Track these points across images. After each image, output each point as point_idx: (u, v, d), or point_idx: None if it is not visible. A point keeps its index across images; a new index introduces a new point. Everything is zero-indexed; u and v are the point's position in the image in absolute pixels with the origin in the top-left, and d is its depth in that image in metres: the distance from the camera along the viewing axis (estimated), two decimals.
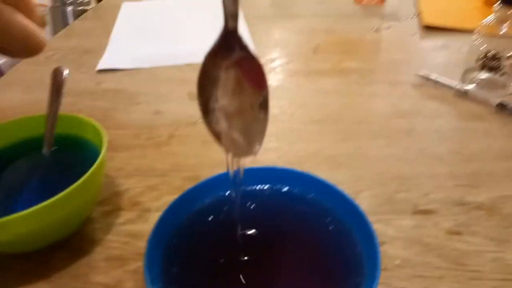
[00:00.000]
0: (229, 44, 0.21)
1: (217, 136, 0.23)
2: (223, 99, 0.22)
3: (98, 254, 0.35)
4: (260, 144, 0.23)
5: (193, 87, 0.22)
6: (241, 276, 0.27)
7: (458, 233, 0.36)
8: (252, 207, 0.32)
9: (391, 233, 0.36)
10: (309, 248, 0.29)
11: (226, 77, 0.22)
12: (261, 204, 0.32)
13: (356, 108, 0.55)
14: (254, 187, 0.33)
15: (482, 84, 0.58)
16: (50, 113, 0.40)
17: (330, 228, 0.30)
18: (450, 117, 0.53)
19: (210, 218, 0.31)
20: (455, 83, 0.58)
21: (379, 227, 0.37)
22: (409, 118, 0.52)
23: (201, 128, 0.52)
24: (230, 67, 0.22)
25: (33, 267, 0.34)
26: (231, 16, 0.20)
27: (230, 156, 0.24)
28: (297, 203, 0.32)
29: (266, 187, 0.33)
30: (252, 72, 0.22)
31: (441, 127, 0.51)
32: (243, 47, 0.21)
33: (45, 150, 0.39)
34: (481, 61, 0.56)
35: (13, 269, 0.34)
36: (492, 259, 0.34)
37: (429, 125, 0.51)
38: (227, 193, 0.32)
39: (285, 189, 0.33)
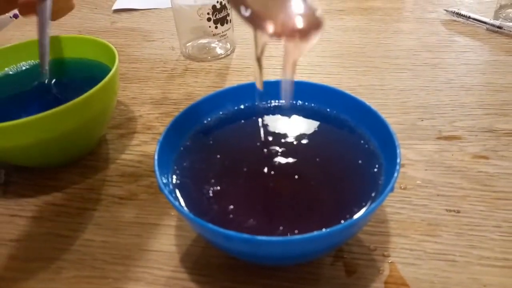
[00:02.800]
0: None
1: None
2: None
3: (112, 171, 0.35)
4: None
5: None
6: (254, 181, 0.26)
7: (485, 157, 0.34)
8: (270, 120, 0.31)
9: (413, 157, 0.35)
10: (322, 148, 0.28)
11: None
12: (279, 117, 0.31)
13: (380, 44, 0.52)
14: (272, 101, 0.32)
15: None
16: (39, 35, 0.38)
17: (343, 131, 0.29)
18: (481, 51, 0.49)
19: (227, 126, 0.30)
20: (487, 19, 0.54)
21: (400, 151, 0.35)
22: (436, 53, 0.49)
23: (217, 62, 0.51)
24: None
25: (49, 180, 0.35)
26: None
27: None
28: (310, 114, 0.31)
29: (280, 102, 0.32)
30: None
31: (471, 60, 0.47)
32: None
33: (42, 71, 0.38)
34: None
35: (30, 182, 0.35)
36: None
37: (457, 58, 0.48)
38: (248, 104, 0.31)
39: (300, 103, 0.32)
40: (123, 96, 0.44)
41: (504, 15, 0.55)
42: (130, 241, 0.29)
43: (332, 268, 0.27)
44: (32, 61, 0.41)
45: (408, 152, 0.35)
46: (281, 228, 0.23)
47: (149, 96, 0.45)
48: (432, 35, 0.53)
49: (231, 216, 0.24)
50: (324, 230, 0.21)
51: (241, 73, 0.48)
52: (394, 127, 0.38)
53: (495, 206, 0.30)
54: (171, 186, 0.26)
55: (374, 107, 0.29)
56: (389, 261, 0.27)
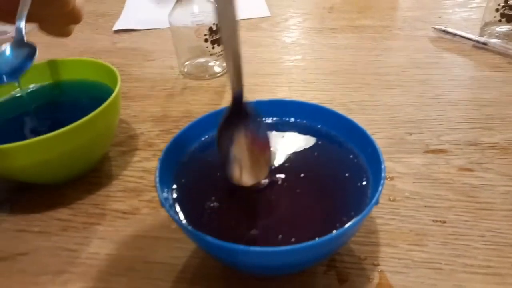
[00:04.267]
0: (238, 112, 0.26)
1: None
2: (236, 153, 0.27)
3: (115, 186, 0.37)
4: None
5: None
6: (250, 195, 0.28)
7: (470, 169, 0.36)
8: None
9: (401, 170, 0.36)
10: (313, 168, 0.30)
11: (238, 140, 0.27)
12: (273, 133, 0.33)
13: (370, 61, 0.55)
14: (266, 118, 0.34)
15: (502, 36, 0.56)
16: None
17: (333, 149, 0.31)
18: (468, 67, 0.52)
19: None
20: (473, 36, 0.56)
21: (389, 164, 0.37)
22: (425, 69, 0.52)
23: (215, 81, 0.53)
24: (241, 131, 0.27)
25: (55, 196, 0.36)
26: (237, 93, 0.25)
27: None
28: (303, 130, 0.33)
29: (274, 119, 0.34)
30: (258, 138, 0.27)
31: (458, 76, 0.50)
32: (250, 116, 0.26)
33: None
34: (501, 10, 0.54)
35: (36, 198, 0.36)
36: (504, 192, 0.34)
37: (445, 74, 0.50)
38: None
39: (292, 120, 0.34)
40: (125, 114, 0.46)
41: (489, 32, 0.57)
42: (133, 253, 0.31)
43: (325, 277, 0.28)
44: (39, 83, 0.43)
45: (397, 166, 0.37)
46: (279, 237, 0.25)
47: (150, 114, 0.47)
48: (420, 52, 0.56)
49: (227, 229, 0.26)
50: (316, 239, 0.22)
51: None
52: (383, 142, 0.40)
53: (479, 216, 0.32)
54: (171, 201, 0.27)
55: (364, 122, 0.31)
56: (379, 270, 0.28)
